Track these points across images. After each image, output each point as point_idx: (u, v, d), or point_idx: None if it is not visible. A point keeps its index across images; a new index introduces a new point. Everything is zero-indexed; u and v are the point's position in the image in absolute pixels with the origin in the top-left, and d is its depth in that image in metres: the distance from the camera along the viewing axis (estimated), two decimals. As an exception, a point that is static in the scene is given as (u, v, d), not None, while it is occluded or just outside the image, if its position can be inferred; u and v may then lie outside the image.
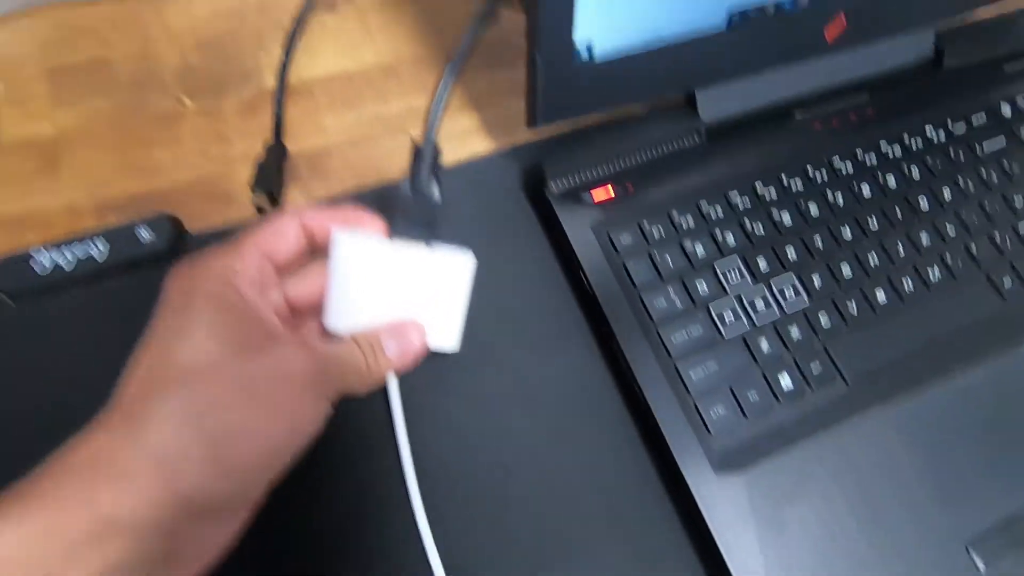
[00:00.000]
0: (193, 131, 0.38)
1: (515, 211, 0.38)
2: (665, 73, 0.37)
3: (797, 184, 0.39)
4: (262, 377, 0.22)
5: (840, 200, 0.39)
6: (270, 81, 0.40)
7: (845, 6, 0.38)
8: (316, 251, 0.28)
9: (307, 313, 0.28)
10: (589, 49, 0.34)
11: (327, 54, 0.42)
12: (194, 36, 0.41)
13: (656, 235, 0.36)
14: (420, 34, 0.44)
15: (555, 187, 0.37)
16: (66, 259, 0.33)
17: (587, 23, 0.33)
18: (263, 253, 0.25)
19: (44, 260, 0.33)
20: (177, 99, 0.39)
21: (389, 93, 0.41)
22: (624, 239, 0.36)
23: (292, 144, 0.39)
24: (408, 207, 0.31)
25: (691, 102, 0.40)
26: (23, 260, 0.33)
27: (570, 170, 0.37)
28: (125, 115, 0.38)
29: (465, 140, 0.40)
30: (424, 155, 0.32)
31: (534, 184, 0.38)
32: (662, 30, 0.35)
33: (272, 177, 0.37)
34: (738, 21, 0.36)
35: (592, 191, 0.37)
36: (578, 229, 0.36)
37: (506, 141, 0.41)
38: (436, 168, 0.33)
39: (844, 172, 0.40)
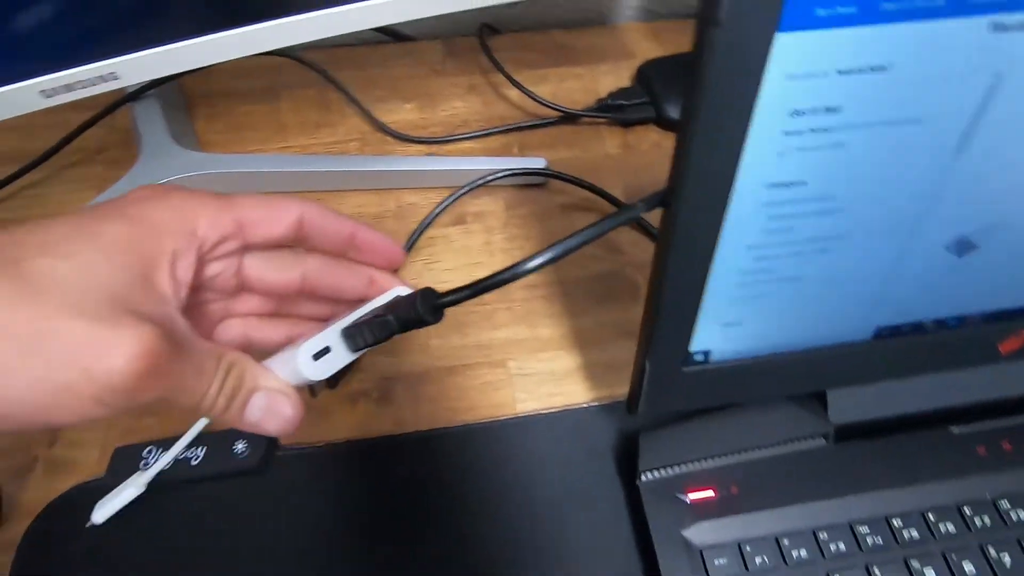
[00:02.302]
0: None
1: (602, 479, 0.30)
2: (791, 375, 0.28)
3: (948, 528, 0.27)
4: (61, 327, 0.16)
5: (1008, 561, 0.26)
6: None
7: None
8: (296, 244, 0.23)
9: (251, 293, 0.23)
10: (706, 355, 0.25)
11: (446, 267, 0.37)
12: (334, 239, 0.38)
13: (759, 563, 0.26)
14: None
15: (648, 477, 0.28)
16: (169, 457, 0.29)
17: (709, 338, 0.24)
18: (240, 225, 0.21)
19: (151, 458, 0.30)
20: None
21: (497, 318, 0.35)
22: (719, 561, 0.26)
23: (392, 355, 0.33)
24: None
25: (820, 396, 0.29)
26: (135, 452, 0.30)
27: (668, 458, 0.29)
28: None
29: (563, 381, 0.33)
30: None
31: (627, 459, 0.30)
32: (794, 342, 0.26)
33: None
34: (887, 334, 0.26)
35: (690, 490, 0.28)
36: (666, 533, 0.27)
37: (606, 392, 0.33)
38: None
39: (1018, 521, 0.27)
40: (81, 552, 0.28)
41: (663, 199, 0.20)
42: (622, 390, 0.32)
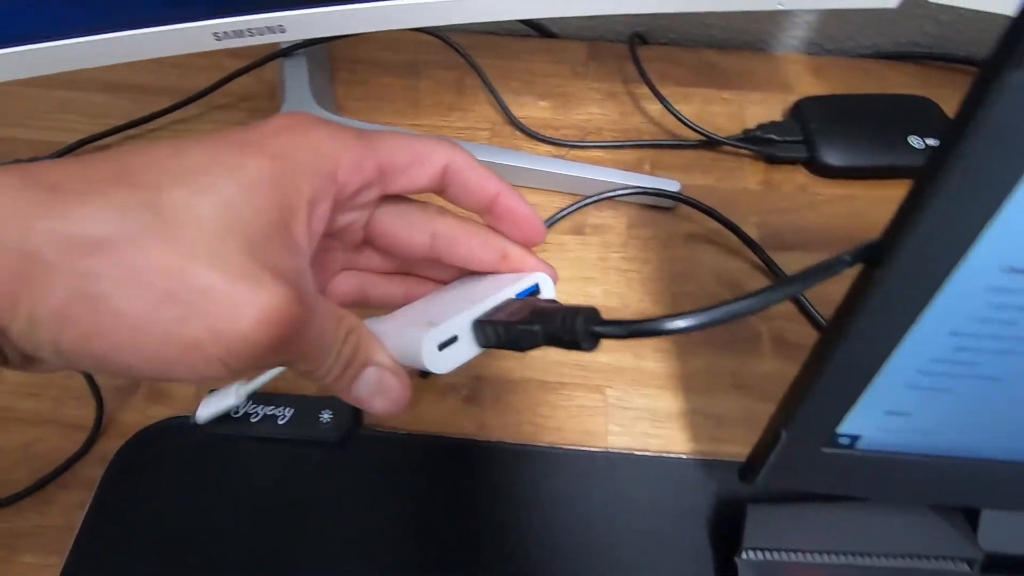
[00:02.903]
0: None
1: (690, 543, 0.27)
2: (947, 483, 0.23)
3: None
4: (196, 278, 0.14)
5: None
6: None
7: None
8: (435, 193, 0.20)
9: (374, 248, 0.21)
10: (853, 439, 0.21)
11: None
12: (449, 225, 0.36)
13: None
14: (654, 286, 0.34)
15: (750, 556, 0.24)
16: (259, 411, 0.29)
17: (864, 423, 0.20)
18: (382, 172, 0.18)
19: (242, 407, 0.29)
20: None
21: (603, 344, 0.32)
22: (814, 673, 0.22)
23: (488, 355, 0.31)
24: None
25: (972, 515, 0.24)
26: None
27: (778, 540, 0.25)
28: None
29: (663, 424, 0.30)
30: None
31: (724, 528, 0.26)
32: (963, 448, 0.21)
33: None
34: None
35: (792, 581, 0.24)
36: (757, 623, 0.23)
37: (708, 447, 0.29)
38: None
39: None
40: (169, 469, 0.28)
41: (875, 255, 0.17)
42: (727, 448, 0.29)
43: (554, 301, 0.19)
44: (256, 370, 0.16)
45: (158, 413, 0.30)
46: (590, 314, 0.17)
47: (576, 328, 0.17)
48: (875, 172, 0.39)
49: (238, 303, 0.14)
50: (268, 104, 0.41)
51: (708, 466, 0.29)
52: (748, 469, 0.24)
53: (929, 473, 0.23)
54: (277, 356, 0.15)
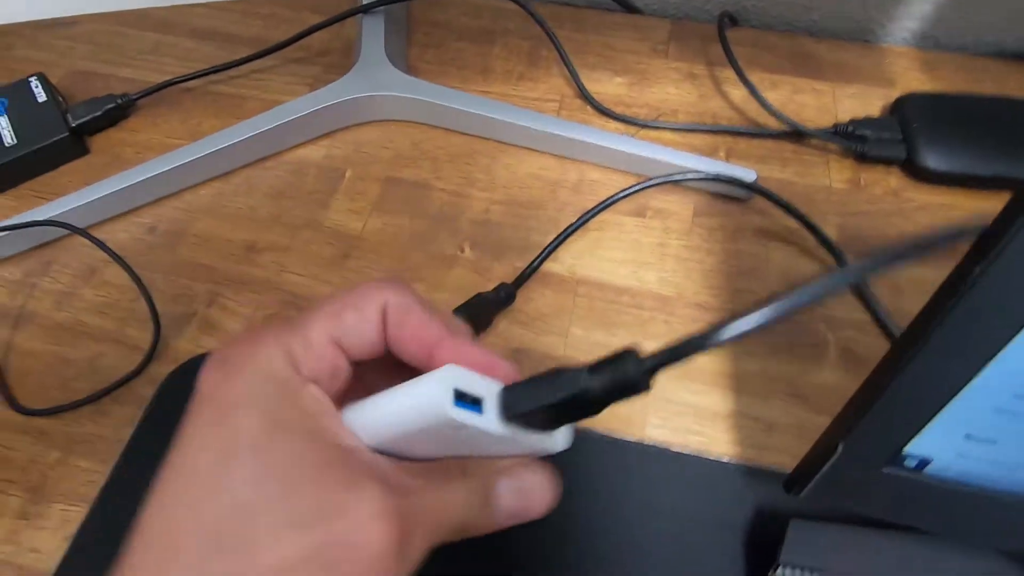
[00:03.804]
0: (456, 281, 0.33)
1: (723, 551, 0.26)
2: (1017, 524, 0.20)
3: None
4: (317, 555, 0.13)
5: None
6: (547, 262, 0.33)
7: None
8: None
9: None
10: (922, 462, 0.19)
11: (611, 257, 0.33)
12: (506, 191, 0.36)
13: None
14: (715, 280, 0.32)
15: (787, 572, 0.23)
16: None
17: (939, 445, 0.18)
18: (333, 337, 0.15)
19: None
20: (459, 246, 0.34)
21: (651, 328, 0.31)
22: None
23: (528, 328, 0.31)
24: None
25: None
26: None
27: (818, 560, 0.23)
28: (414, 242, 0.34)
29: (707, 422, 0.28)
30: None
31: (761, 540, 0.24)
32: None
33: (481, 313, 0.30)
34: None
35: (830, 606, 0.22)
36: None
37: (753, 452, 0.27)
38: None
39: None
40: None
41: (987, 233, 0.14)
42: (772, 457, 0.27)
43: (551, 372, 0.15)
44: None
45: (208, 344, 0.31)
46: (629, 352, 0.14)
47: (628, 371, 0.14)
48: (980, 181, 0.35)
49: (359, 522, 0.13)
50: (343, 60, 0.42)
51: (751, 473, 0.27)
52: (795, 480, 0.22)
53: (1009, 515, 0.20)
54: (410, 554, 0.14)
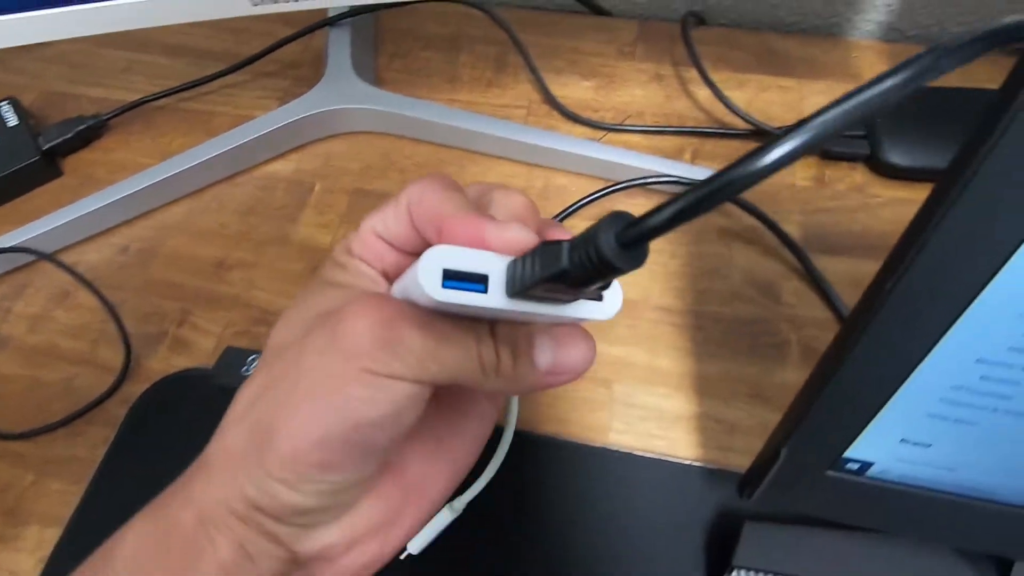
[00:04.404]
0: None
1: (682, 553, 0.26)
2: (973, 527, 0.21)
3: None
4: (310, 349, 0.15)
5: None
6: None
7: None
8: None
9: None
10: (863, 465, 0.20)
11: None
12: (473, 203, 0.36)
13: None
14: (679, 282, 0.33)
15: (741, 575, 0.23)
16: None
17: (877, 449, 0.18)
18: (375, 230, 0.17)
19: (253, 366, 0.30)
20: (428, 257, 0.34)
21: (616, 333, 0.31)
22: None
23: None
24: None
25: (1001, 565, 0.22)
26: (242, 356, 0.30)
27: (772, 562, 0.23)
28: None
29: (670, 426, 0.29)
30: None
31: (719, 541, 0.25)
32: (994, 490, 0.19)
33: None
34: None
35: (784, 607, 0.22)
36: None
37: (715, 455, 0.28)
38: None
39: None
40: (183, 418, 0.29)
41: (907, 237, 0.15)
42: (735, 459, 0.27)
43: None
44: (413, 381, 0.14)
45: (179, 363, 0.32)
46: (614, 218, 0.12)
47: (599, 238, 0.11)
48: (946, 175, 0.35)
49: (339, 319, 0.15)
50: (312, 72, 0.42)
51: (713, 475, 0.27)
52: (746, 484, 0.23)
53: (953, 513, 0.21)
54: (398, 348, 0.14)
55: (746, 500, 0.22)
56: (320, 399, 0.14)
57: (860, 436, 0.19)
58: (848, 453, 0.19)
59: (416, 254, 0.16)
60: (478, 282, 0.14)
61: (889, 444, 0.19)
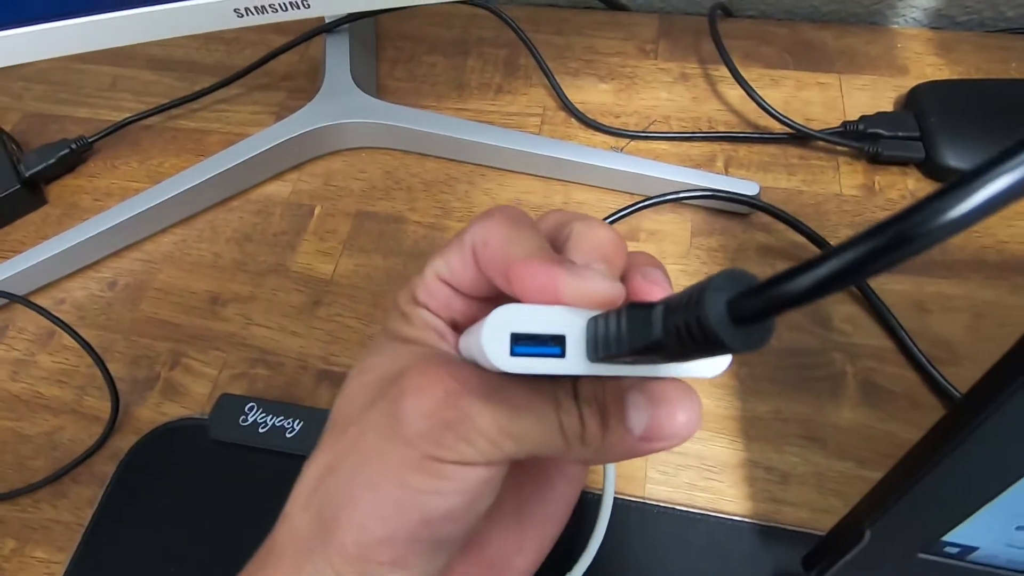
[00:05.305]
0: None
1: None
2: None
3: None
4: (371, 430, 0.14)
5: None
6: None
7: None
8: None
9: None
10: (963, 551, 0.16)
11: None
12: (486, 223, 0.33)
13: None
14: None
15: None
16: (268, 421, 0.27)
17: (985, 534, 0.15)
18: (440, 275, 0.15)
19: (251, 415, 0.27)
20: (438, 285, 0.31)
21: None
22: None
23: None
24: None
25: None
26: (239, 405, 0.28)
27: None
28: (389, 282, 0.32)
29: (713, 475, 0.25)
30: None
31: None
32: None
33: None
34: None
35: None
36: None
37: (767, 508, 0.24)
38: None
39: None
40: (176, 474, 0.27)
41: None
42: (789, 514, 0.24)
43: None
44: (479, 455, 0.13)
45: (171, 411, 0.29)
46: (727, 279, 0.09)
47: (705, 306, 0.09)
48: (1012, 179, 0.32)
49: (394, 399, 0.13)
50: (308, 83, 0.39)
51: (765, 533, 0.24)
52: (814, 559, 0.19)
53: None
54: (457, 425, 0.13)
55: (814, 577, 0.19)
56: (383, 492, 0.13)
57: (968, 520, 0.16)
58: (949, 537, 0.16)
59: (488, 300, 0.14)
60: (553, 345, 0.12)
61: (1002, 530, 0.16)
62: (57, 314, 0.30)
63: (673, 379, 0.13)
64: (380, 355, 0.15)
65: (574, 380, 0.14)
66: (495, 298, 0.14)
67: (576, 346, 0.12)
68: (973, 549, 0.17)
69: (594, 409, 0.13)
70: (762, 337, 0.09)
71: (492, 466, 0.13)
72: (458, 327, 0.15)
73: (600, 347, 0.11)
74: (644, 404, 0.13)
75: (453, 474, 0.12)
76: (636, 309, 0.11)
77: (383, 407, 0.13)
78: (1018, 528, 0.16)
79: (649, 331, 0.10)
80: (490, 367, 0.12)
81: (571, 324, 0.12)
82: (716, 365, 0.12)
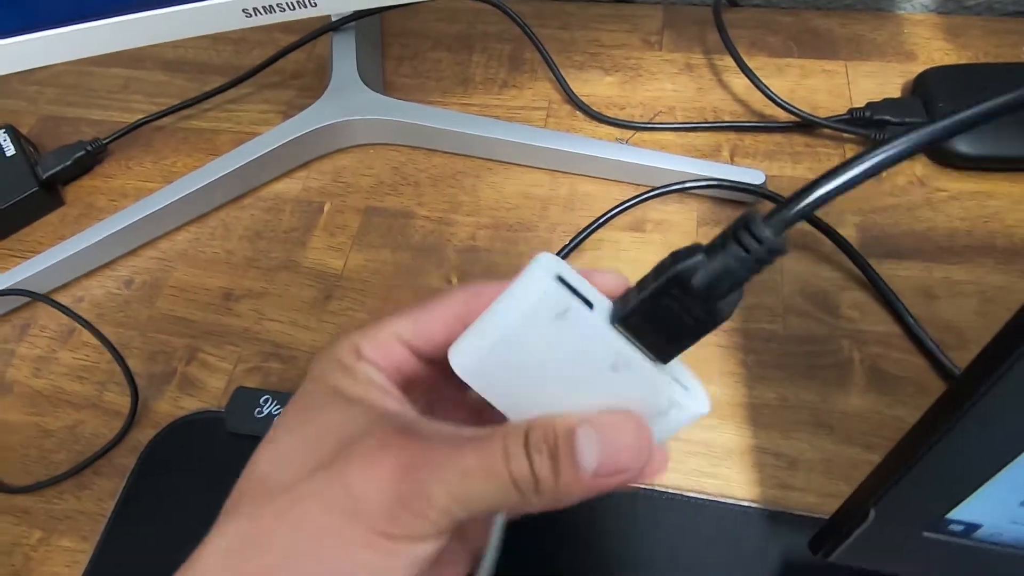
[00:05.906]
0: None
1: None
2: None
3: None
4: (313, 502, 0.13)
5: None
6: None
7: None
8: None
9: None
10: (968, 528, 0.17)
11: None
12: (493, 214, 0.34)
13: None
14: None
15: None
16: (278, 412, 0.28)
17: (989, 511, 0.16)
18: (401, 337, 0.15)
19: (266, 407, 0.28)
20: (447, 277, 0.32)
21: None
22: None
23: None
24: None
25: None
26: (254, 397, 0.28)
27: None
28: (399, 276, 0.32)
29: (721, 462, 0.26)
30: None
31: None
32: None
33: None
34: None
35: (870, 678, 0.20)
36: None
37: (775, 493, 0.25)
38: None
39: None
40: (194, 466, 0.28)
41: None
42: (797, 498, 0.24)
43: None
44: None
45: (188, 404, 0.30)
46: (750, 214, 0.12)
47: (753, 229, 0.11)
48: (1020, 164, 0.32)
49: (346, 470, 0.13)
50: (316, 82, 0.40)
51: (773, 519, 0.24)
52: (821, 541, 0.20)
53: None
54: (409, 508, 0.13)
55: (821, 559, 0.20)
56: (327, 568, 0.12)
57: (971, 496, 0.16)
58: (953, 515, 0.17)
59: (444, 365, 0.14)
60: (585, 303, 0.13)
61: (1006, 507, 0.16)
62: (77, 312, 0.31)
63: (624, 411, 0.14)
64: (320, 412, 0.14)
65: (527, 429, 0.13)
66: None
67: (600, 310, 0.13)
68: (978, 527, 0.17)
69: (544, 455, 0.13)
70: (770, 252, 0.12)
71: (442, 536, 0.13)
72: (406, 388, 0.15)
73: (632, 292, 0.13)
74: (594, 437, 0.13)
75: (403, 551, 0.12)
76: (674, 254, 0.13)
77: (331, 477, 0.13)
78: (1022, 504, 0.16)
79: (691, 258, 0.12)
80: (532, 299, 0.13)
81: (597, 298, 0.14)
82: (694, 399, 0.14)
